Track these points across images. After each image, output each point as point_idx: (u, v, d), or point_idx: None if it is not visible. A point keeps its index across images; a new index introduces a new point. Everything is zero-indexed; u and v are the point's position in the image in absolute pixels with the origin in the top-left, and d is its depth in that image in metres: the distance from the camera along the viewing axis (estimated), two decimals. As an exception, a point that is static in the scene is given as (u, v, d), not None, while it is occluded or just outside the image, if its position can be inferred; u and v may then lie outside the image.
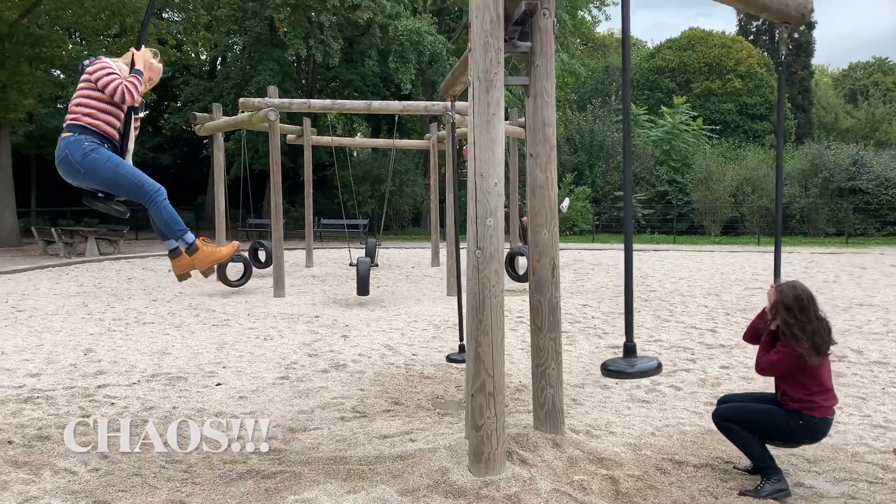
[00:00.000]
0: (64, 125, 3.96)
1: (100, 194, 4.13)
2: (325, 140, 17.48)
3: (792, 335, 3.72)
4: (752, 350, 7.29)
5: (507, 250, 11.83)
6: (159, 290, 12.34)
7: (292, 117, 21.94)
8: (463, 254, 4.80)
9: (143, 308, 10.39)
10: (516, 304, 10.11)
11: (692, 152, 30.12)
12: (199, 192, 32.74)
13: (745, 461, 4.10)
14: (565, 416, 4.55)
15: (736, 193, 26.80)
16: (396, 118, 15.86)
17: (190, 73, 30.99)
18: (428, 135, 17.41)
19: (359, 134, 39.15)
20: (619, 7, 4.01)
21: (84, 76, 4.02)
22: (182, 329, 8.67)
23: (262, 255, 14.28)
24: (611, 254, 19.78)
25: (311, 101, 12.99)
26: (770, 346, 3.88)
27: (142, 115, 4.34)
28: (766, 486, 3.76)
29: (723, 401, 4.19)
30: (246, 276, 12.17)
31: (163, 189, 4.07)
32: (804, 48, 42.51)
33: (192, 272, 4.26)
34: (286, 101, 12.23)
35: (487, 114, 3.70)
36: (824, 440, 4.54)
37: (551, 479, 3.81)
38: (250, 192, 14.68)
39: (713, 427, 4.81)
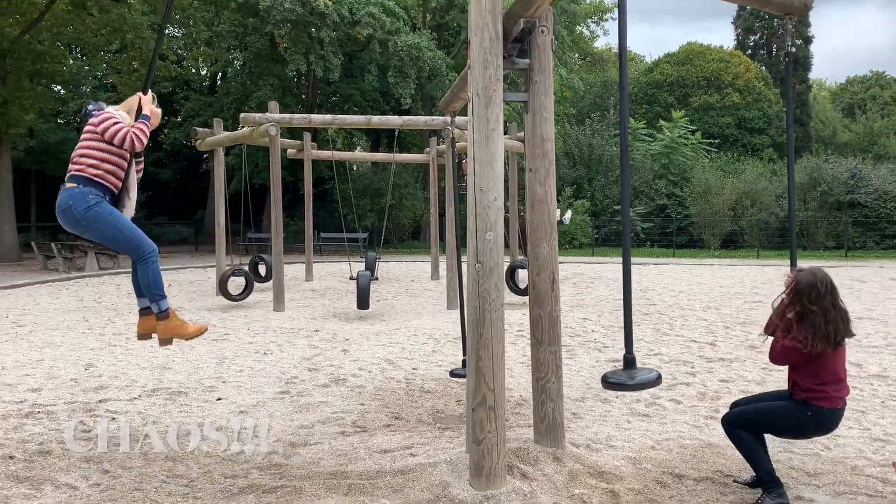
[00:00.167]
0: (67, 175, 4.02)
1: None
2: (325, 154, 17.55)
3: (803, 322, 3.67)
4: (752, 363, 7.33)
5: (508, 263, 11.86)
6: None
7: (292, 132, 22.03)
8: (464, 268, 4.83)
9: (144, 323, 10.38)
10: (517, 318, 10.12)
11: (691, 166, 30.22)
12: (199, 206, 32.82)
13: (746, 475, 4.10)
14: (566, 430, 4.56)
15: (735, 207, 26.85)
16: (396, 133, 15.94)
17: (190, 89, 31.16)
18: (427, 149, 17.48)
19: (359, 148, 39.28)
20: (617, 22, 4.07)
21: (89, 126, 4.08)
22: (182, 344, 8.67)
23: (262, 270, 14.30)
24: (610, 267, 19.80)
25: (312, 116, 13.07)
26: (784, 336, 3.83)
27: (143, 160, 4.39)
28: (767, 500, 3.75)
29: (735, 405, 4.17)
30: (247, 290, 12.19)
31: (157, 251, 4.17)
32: (802, 62, 42.75)
33: (152, 335, 4.32)
34: (287, 116, 12.30)
35: (487, 129, 3.74)
36: (826, 453, 4.55)
37: (552, 493, 3.82)
38: (250, 206, 14.73)
39: (713, 440, 4.83)
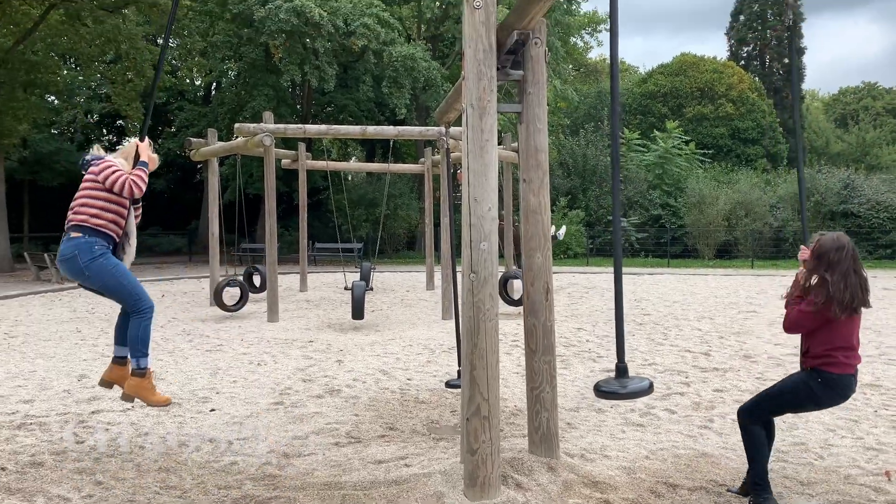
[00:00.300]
0: (70, 224, 4.05)
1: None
2: (320, 164, 17.56)
3: (822, 286, 3.63)
4: (746, 373, 7.35)
5: (501, 274, 11.86)
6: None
7: (287, 142, 22.06)
8: (459, 278, 4.83)
9: (137, 333, 10.34)
10: (511, 328, 10.12)
11: (685, 176, 30.33)
12: (193, 216, 32.78)
13: (740, 482, 4.11)
14: (560, 440, 4.56)
15: (729, 217, 26.95)
16: (391, 143, 15.97)
17: (185, 99, 31.19)
18: (422, 159, 17.51)
19: (353, 158, 39.32)
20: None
21: (89, 175, 4.12)
22: (175, 354, 8.65)
23: (256, 280, 14.26)
24: (605, 277, 19.83)
25: (307, 126, 13.09)
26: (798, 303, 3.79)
27: (141, 205, 4.42)
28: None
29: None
30: (242, 300, 12.15)
31: (154, 308, 4.23)
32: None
33: (116, 386, 4.33)
34: (282, 126, 12.31)
35: (481, 140, 3.76)
36: (819, 462, 4.56)
37: (546, 502, 3.81)
38: (244, 216, 14.71)
39: (707, 450, 4.84)
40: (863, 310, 3.71)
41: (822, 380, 3.72)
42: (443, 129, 6.63)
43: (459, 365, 5.73)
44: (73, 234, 3.99)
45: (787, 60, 42.89)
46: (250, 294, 13.57)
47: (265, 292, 12.43)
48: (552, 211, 27.30)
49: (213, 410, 6.04)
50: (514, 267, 13.24)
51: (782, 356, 8.08)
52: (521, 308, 10.95)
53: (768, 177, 31.26)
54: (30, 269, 19.79)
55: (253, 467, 4.60)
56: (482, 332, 3.74)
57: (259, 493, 4.12)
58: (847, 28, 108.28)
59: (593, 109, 39.59)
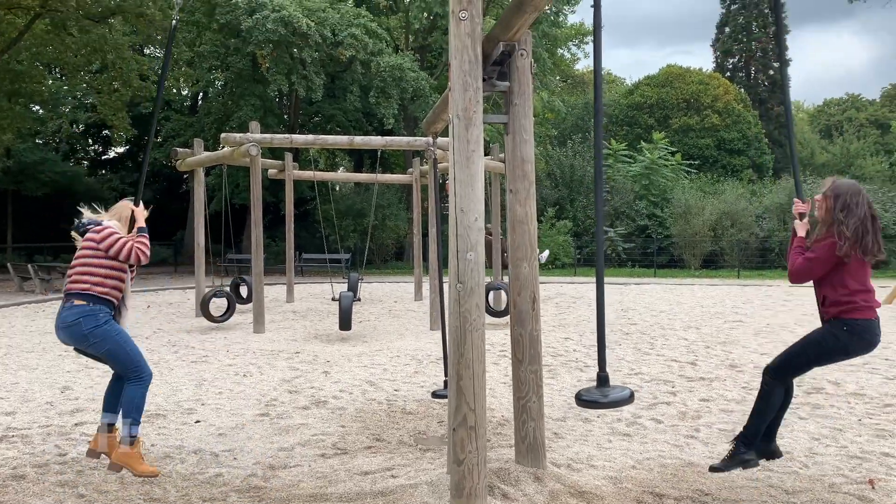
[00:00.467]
0: (72, 290, 4.05)
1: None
2: (307, 175, 17.54)
3: (836, 226, 3.58)
4: (732, 382, 7.37)
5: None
6: (137, 327, 12.22)
7: (274, 152, 22.02)
8: (445, 288, 4.83)
9: (122, 344, 10.26)
10: (499, 338, 10.12)
11: (671, 187, 30.53)
12: (179, 227, 32.63)
13: (726, 490, 4.11)
14: (547, 450, 4.56)
15: (715, 227, 27.12)
16: (379, 153, 15.99)
17: (171, 109, 31.11)
18: (411, 169, 17.52)
19: (341, 168, 39.29)
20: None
21: (89, 242, 4.11)
22: (161, 366, 8.59)
23: (243, 291, 14.19)
24: (592, 287, 19.77)
25: (294, 136, 13.08)
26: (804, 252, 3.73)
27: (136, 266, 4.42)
28: (736, 453, 3.87)
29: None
30: (229, 311, 12.08)
31: (152, 376, 4.25)
32: (780, 85, 43.47)
33: (102, 454, 4.28)
34: (268, 136, 12.30)
35: (467, 150, 3.77)
36: (804, 471, 4.57)
37: (533, 513, 3.80)
38: (231, 226, 14.66)
39: (693, 459, 4.85)
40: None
41: (848, 328, 3.66)
42: (430, 139, 6.65)
43: (446, 375, 5.73)
44: (77, 302, 4.01)
45: (772, 72, 43.39)
46: (237, 305, 13.50)
47: (252, 303, 12.37)
48: (540, 221, 27.46)
49: (198, 422, 6.00)
50: (498, 279, 13.25)
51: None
52: (504, 318, 10.96)
53: (754, 187, 31.51)
54: (13, 280, 19.59)
55: (238, 479, 4.57)
56: (469, 343, 3.74)
57: (244, 506, 4.08)
58: (831, 40, 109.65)
59: (581, 120, 39.83)
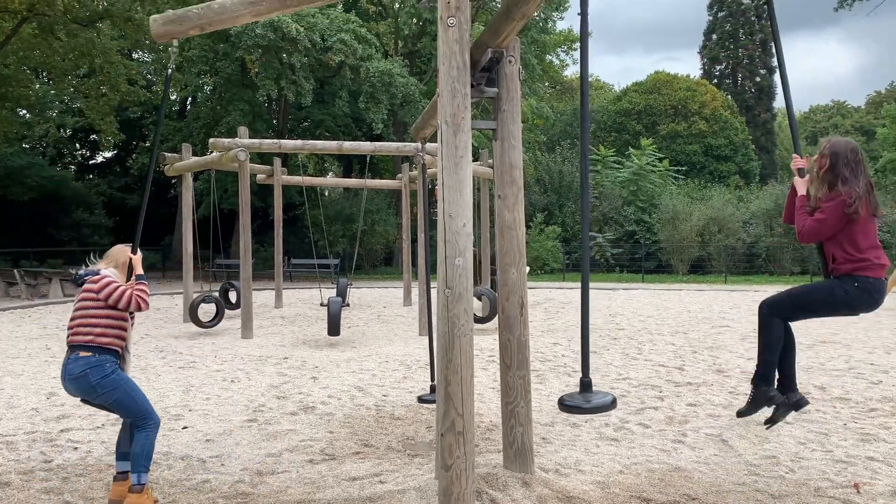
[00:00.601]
0: (75, 342, 4.05)
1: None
2: (296, 180, 17.52)
3: (842, 185, 3.57)
4: (719, 387, 7.41)
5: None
6: (125, 332, 12.15)
7: (263, 157, 21.98)
8: (434, 293, 4.83)
9: (109, 350, 10.19)
10: (488, 344, 10.13)
11: (659, 192, 30.69)
12: (167, 232, 32.47)
13: (713, 495, 4.13)
14: (535, 455, 4.57)
15: (702, 233, 27.27)
16: (368, 158, 15.99)
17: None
18: (400, 175, 17.53)
19: (330, 173, 39.25)
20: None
21: (88, 293, 4.10)
22: (148, 371, 8.54)
23: (233, 297, 14.13)
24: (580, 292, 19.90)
25: (282, 141, 13.06)
26: (811, 212, 3.71)
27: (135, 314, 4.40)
28: (757, 394, 3.89)
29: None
30: (218, 317, 12.03)
31: (160, 423, 4.21)
32: (766, 91, 43.88)
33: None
34: (257, 141, 12.29)
35: (455, 156, 3.78)
36: (790, 475, 4.61)
37: (521, 518, 3.81)
38: (219, 231, 14.61)
39: (681, 464, 4.87)
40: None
41: (860, 284, 3.65)
42: (419, 144, 6.66)
43: (433, 380, 5.73)
44: (83, 354, 4.01)
45: (758, 79, 43.72)
46: (226, 310, 13.45)
47: (240, 308, 12.32)
48: (529, 227, 27.52)
49: (185, 428, 5.97)
50: (479, 286, 13.26)
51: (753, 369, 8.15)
52: (494, 323, 10.97)
53: (741, 193, 31.73)
54: (-1, 286, 19.44)
55: (226, 485, 4.55)
56: (457, 348, 3.75)
57: (231, 512, 4.07)
58: (818, 47, 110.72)
59: (569, 126, 40.00)
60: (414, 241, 17.17)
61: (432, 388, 5.78)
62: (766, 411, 4.20)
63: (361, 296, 19.13)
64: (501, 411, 4.43)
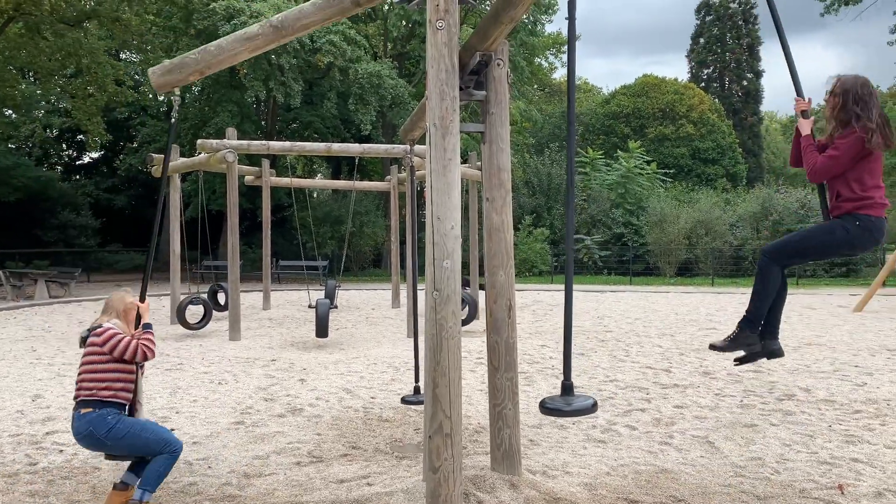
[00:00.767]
0: (79, 397, 4.02)
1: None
2: (284, 181, 17.48)
3: (856, 120, 3.54)
4: (706, 389, 7.45)
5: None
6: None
7: (251, 158, 21.91)
8: (421, 295, 4.84)
9: (95, 352, 10.13)
10: (476, 346, 10.14)
11: (647, 195, 30.83)
12: (155, 233, 32.29)
13: (700, 496, 4.15)
14: (522, 457, 4.58)
15: (690, 235, 27.41)
16: (356, 160, 15.98)
17: (147, 114, 30.82)
18: (388, 177, 17.52)
19: (319, 175, 39.18)
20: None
21: (92, 347, 4.07)
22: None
23: (221, 298, 14.07)
24: (569, 295, 19.95)
25: (271, 142, 13.03)
26: (821, 150, 3.68)
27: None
28: (740, 333, 3.87)
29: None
30: (206, 318, 11.97)
31: (181, 446, 4.17)
32: (753, 95, 44.20)
33: None
34: (245, 142, 12.25)
35: (444, 159, 3.79)
36: (775, 477, 4.64)
37: (508, 520, 3.82)
38: (207, 233, 14.55)
39: (668, 466, 4.89)
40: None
41: (861, 223, 3.64)
42: (408, 147, 6.67)
43: (417, 381, 5.74)
44: (84, 410, 3.98)
45: (745, 83, 44.01)
46: (215, 312, 13.39)
47: (228, 310, 12.27)
48: (517, 229, 27.59)
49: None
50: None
51: (741, 372, 8.22)
52: (480, 325, 11.00)
53: (728, 196, 31.92)
54: (-16, 287, 19.27)
55: (213, 488, 4.53)
56: (445, 350, 3.76)
57: (218, 515, 4.06)
58: (804, 51, 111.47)
59: (558, 129, 40.12)
60: (402, 243, 17.18)
61: (416, 390, 5.79)
62: (739, 352, 4.18)
63: (350, 298, 19.10)
64: (489, 413, 4.44)
